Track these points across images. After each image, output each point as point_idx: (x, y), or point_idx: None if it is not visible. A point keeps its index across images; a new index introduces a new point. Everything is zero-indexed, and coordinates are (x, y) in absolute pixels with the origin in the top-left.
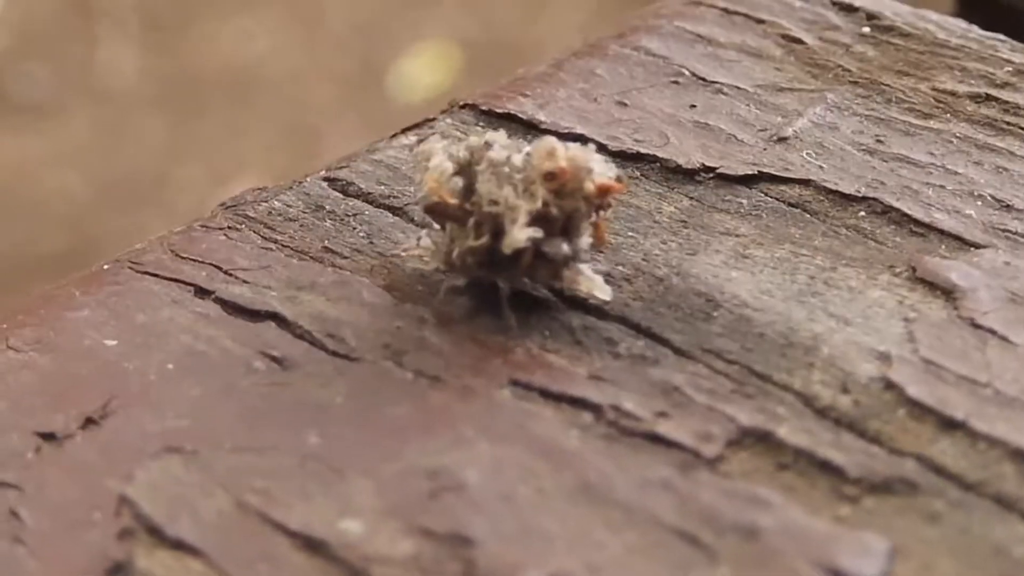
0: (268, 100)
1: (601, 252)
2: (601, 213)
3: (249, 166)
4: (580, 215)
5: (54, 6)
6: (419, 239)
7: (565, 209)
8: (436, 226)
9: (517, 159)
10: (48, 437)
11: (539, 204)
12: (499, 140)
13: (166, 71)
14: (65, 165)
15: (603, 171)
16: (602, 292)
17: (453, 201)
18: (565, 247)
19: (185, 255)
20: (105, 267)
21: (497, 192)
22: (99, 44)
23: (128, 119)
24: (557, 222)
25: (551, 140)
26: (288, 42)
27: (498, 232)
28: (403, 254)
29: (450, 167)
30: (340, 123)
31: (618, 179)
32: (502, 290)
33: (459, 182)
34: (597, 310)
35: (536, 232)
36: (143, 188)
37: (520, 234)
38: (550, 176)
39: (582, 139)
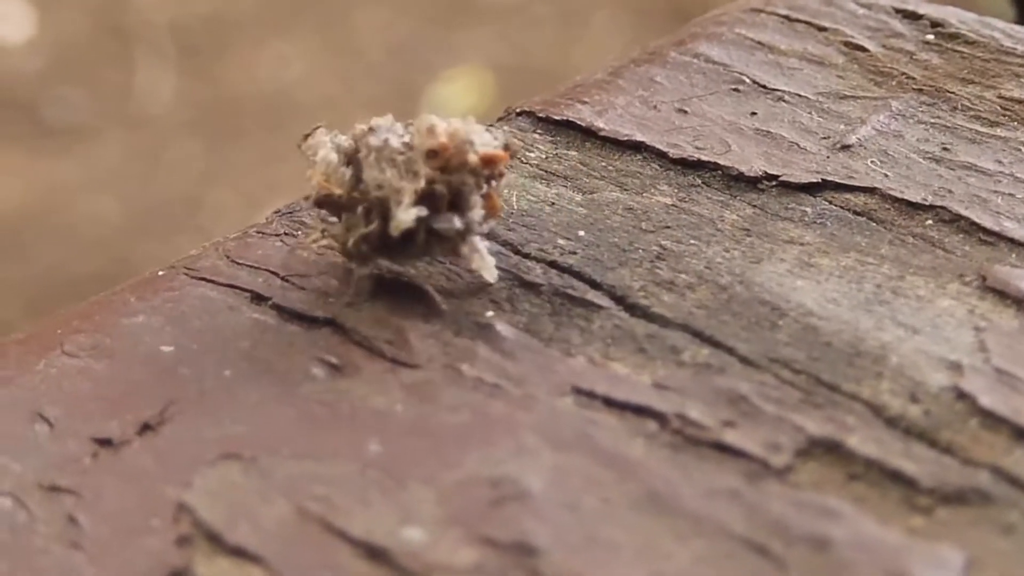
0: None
1: (494, 221)
2: (493, 184)
3: (283, 191)
4: (468, 188)
5: (90, 30)
6: (323, 231)
7: (453, 184)
8: (332, 218)
9: (397, 142)
10: (105, 443)
11: (423, 183)
12: (383, 124)
13: (201, 96)
14: (99, 189)
15: (486, 142)
16: (489, 274)
17: (339, 191)
18: (456, 222)
19: (241, 261)
20: (160, 273)
21: (381, 176)
22: (135, 68)
23: (163, 144)
24: (444, 198)
25: (430, 117)
26: (323, 68)
27: (387, 216)
28: (312, 245)
29: (336, 158)
30: None
31: (506, 147)
32: (419, 277)
33: (347, 172)
34: (661, 317)
35: (421, 211)
36: (177, 213)
37: (405, 215)
38: (432, 153)
39: (642, 146)
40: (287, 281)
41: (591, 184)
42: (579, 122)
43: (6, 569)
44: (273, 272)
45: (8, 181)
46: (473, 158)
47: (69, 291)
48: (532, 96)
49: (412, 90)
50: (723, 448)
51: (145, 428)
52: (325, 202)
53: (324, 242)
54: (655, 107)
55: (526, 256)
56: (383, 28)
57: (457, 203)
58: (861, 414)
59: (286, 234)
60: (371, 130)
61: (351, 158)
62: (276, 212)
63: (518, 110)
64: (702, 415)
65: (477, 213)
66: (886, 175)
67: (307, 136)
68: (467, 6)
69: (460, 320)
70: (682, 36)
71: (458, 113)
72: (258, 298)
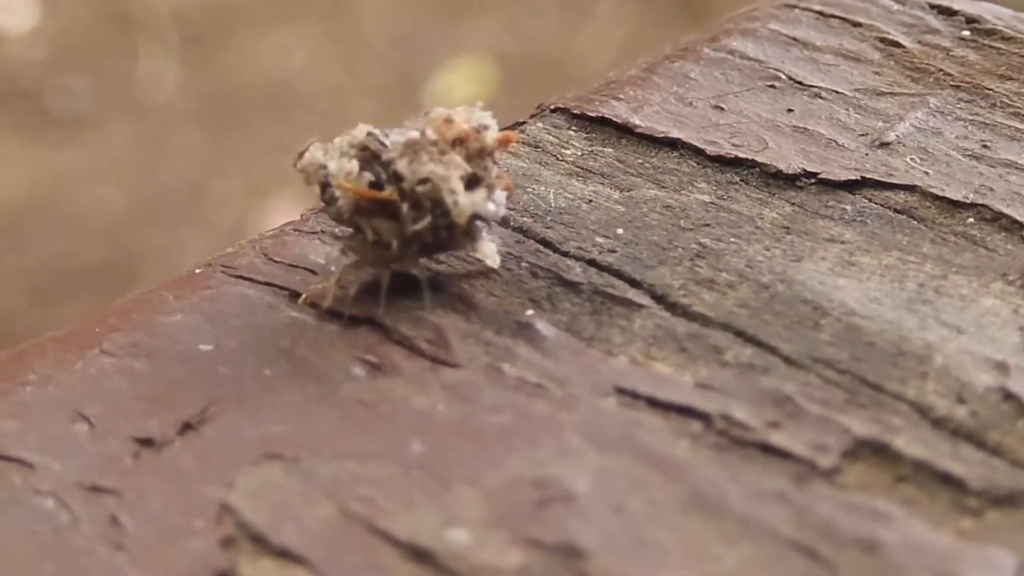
0: (306, 114)
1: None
2: (497, 168)
3: (287, 181)
4: (489, 173)
5: (93, 19)
6: (343, 249)
7: (479, 170)
8: (346, 231)
9: (429, 134)
10: (146, 443)
11: (465, 169)
12: (370, 128)
13: (205, 85)
14: (104, 179)
15: (493, 125)
16: (492, 260)
17: (382, 194)
18: (492, 206)
19: (278, 259)
20: (197, 271)
21: (423, 169)
22: (139, 58)
23: (167, 133)
24: (483, 183)
25: (441, 109)
26: (326, 57)
27: (435, 209)
28: (339, 276)
29: (355, 164)
30: None
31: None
32: (419, 275)
33: (368, 176)
34: (702, 316)
35: (481, 194)
36: (181, 202)
37: (467, 199)
38: (457, 142)
39: (678, 144)
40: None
41: (628, 181)
42: (614, 119)
43: (50, 570)
44: (311, 270)
45: (12, 170)
46: (490, 141)
47: (73, 280)
48: (535, 85)
49: (415, 79)
50: (769, 449)
51: (186, 427)
52: (364, 210)
53: (350, 267)
54: (691, 104)
55: (565, 254)
56: (386, 17)
57: (486, 188)
58: (907, 415)
59: (323, 232)
60: (371, 135)
61: (364, 164)
62: (311, 210)
63: (552, 107)
64: (747, 416)
65: (502, 195)
66: (926, 172)
67: (301, 154)
68: None
69: (500, 319)
70: (715, 32)
71: (462, 102)
72: (296, 296)
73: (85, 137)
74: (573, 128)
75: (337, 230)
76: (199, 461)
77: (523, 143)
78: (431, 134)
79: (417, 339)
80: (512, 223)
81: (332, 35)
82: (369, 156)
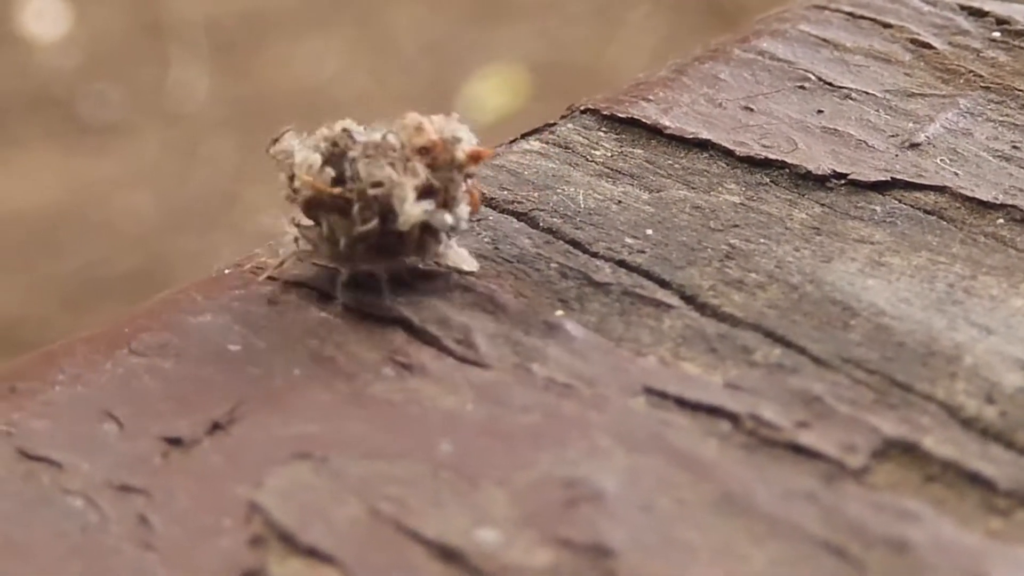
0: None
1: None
2: (470, 181)
3: None
4: (455, 185)
5: (126, 26)
6: (296, 238)
7: (442, 181)
8: (306, 222)
9: (391, 139)
10: (175, 442)
11: (422, 179)
12: (353, 126)
13: (237, 93)
14: (136, 186)
15: (469, 139)
16: (468, 264)
17: (335, 190)
18: (448, 218)
19: (307, 259)
20: (226, 271)
21: (379, 173)
22: (171, 65)
23: (198, 141)
24: (440, 194)
25: (415, 116)
26: (358, 64)
27: (385, 213)
28: (282, 260)
29: (318, 158)
30: None
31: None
32: (379, 275)
33: (331, 172)
34: (731, 317)
35: (429, 205)
36: (213, 209)
37: (414, 208)
38: (423, 151)
39: (708, 145)
40: (354, 280)
41: (658, 182)
42: (644, 120)
43: (79, 569)
44: (340, 271)
45: (44, 178)
46: (460, 155)
47: (105, 287)
48: (567, 93)
49: (447, 87)
50: (798, 449)
51: (215, 427)
52: (314, 203)
53: (298, 254)
54: (720, 105)
55: (594, 255)
56: (418, 25)
57: (446, 200)
58: (936, 415)
59: None
60: (346, 131)
61: (329, 159)
62: None
63: (582, 108)
64: (776, 416)
65: (464, 209)
66: (956, 174)
67: (275, 140)
68: (502, 3)
69: (529, 319)
70: (745, 33)
71: (493, 110)
72: (325, 297)
73: (117, 145)
74: (603, 129)
75: (300, 219)
76: (228, 461)
77: (553, 144)
78: (400, 139)
79: (446, 339)
80: (542, 223)
81: (364, 43)
82: (338, 152)
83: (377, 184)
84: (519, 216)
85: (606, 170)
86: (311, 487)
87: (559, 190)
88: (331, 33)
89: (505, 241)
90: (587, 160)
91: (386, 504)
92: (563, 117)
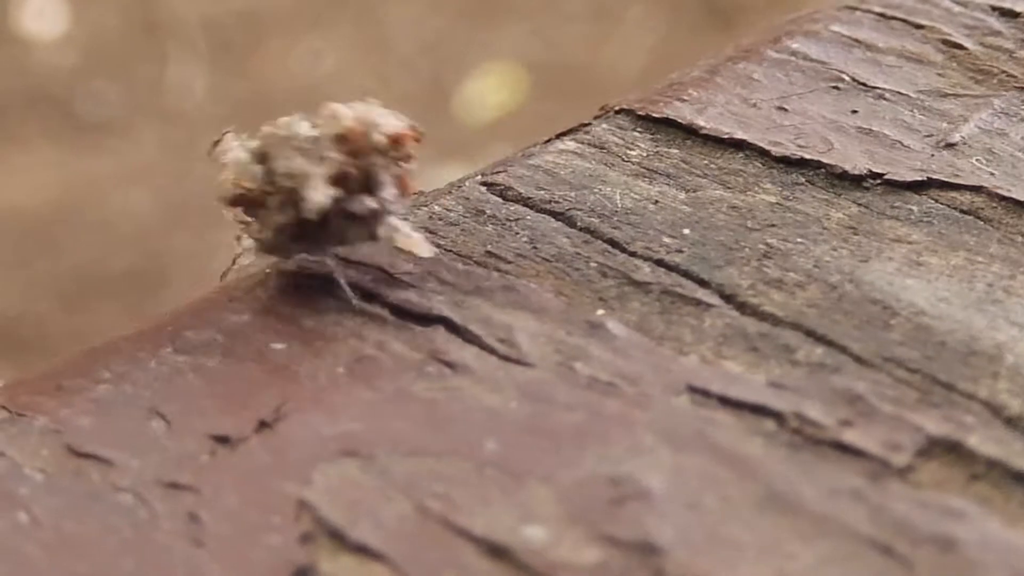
0: None
1: (411, 203)
2: (403, 165)
3: None
4: (378, 169)
5: (123, 25)
6: (238, 236)
7: (362, 167)
8: (246, 219)
9: (304, 132)
10: (222, 440)
11: (333, 167)
12: (296, 123)
13: (234, 91)
14: (133, 184)
15: (392, 123)
16: (421, 249)
17: (250, 186)
18: (369, 202)
19: (348, 258)
20: (267, 270)
21: (290, 164)
22: (168, 63)
23: (196, 139)
24: (356, 180)
25: (333, 105)
26: (356, 63)
27: (298, 203)
28: (234, 259)
29: (246, 156)
30: None
31: (412, 128)
32: (334, 268)
33: (258, 169)
34: (772, 316)
35: (329, 191)
36: (211, 208)
37: (316, 195)
38: (340, 139)
39: (743, 144)
40: (396, 279)
41: (694, 182)
42: (679, 120)
43: (132, 566)
44: (381, 269)
45: (42, 176)
46: (380, 138)
47: (103, 285)
48: (564, 91)
49: (445, 85)
50: (842, 448)
51: (262, 425)
52: (239, 200)
53: (247, 243)
54: (754, 105)
55: (632, 254)
56: (416, 23)
57: (368, 185)
58: (979, 414)
59: None
60: (278, 127)
61: (261, 156)
62: None
63: (616, 108)
64: (820, 414)
65: (389, 192)
66: (992, 173)
67: (216, 143)
68: (500, 2)
69: (570, 318)
70: (777, 33)
71: (492, 108)
72: (367, 295)
73: (115, 143)
74: (638, 129)
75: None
76: (275, 458)
77: (588, 144)
78: (314, 129)
79: (487, 338)
80: (579, 223)
81: (362, 41)
82: (270, 149)
83: (290, 175)
84: (556, 215)
85: (642, 170)
86: (358, 485)
87: (596, 190)
88: (329, 31)
89: (543, 240)
90: (623, 160)
91: (433, 501)
92: (597, 117)
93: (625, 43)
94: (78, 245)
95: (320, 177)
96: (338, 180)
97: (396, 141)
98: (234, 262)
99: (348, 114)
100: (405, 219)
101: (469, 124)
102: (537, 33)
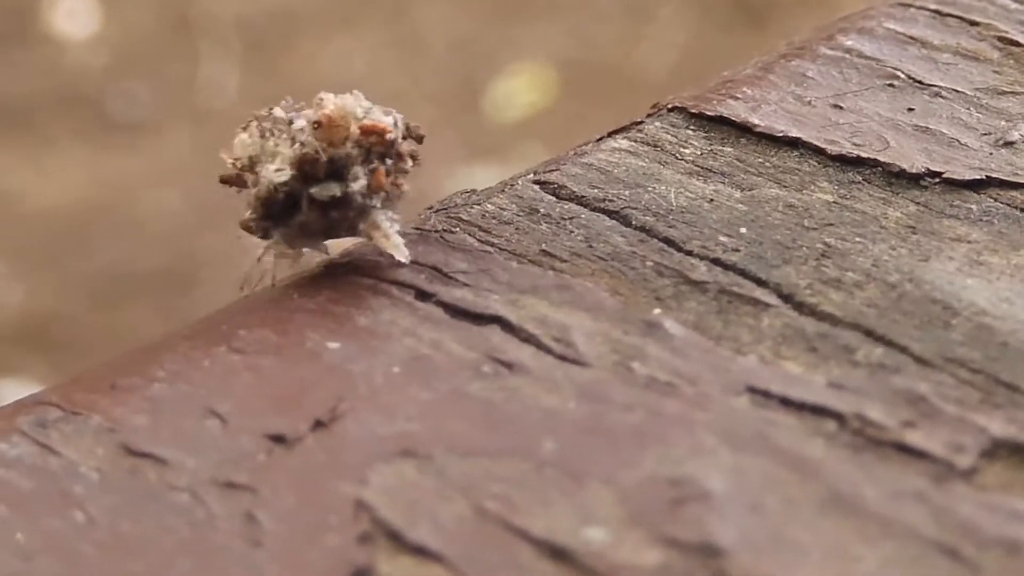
0: None
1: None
2: (388, 161)
3: None
4: (351, 159)
5: (155, 24)
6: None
7: (336, 156)
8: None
9: (284, 114)
10: (278, 440)
11: (301, 150)
12: (282, 106)
13: (266, 91)
14: (165, 183)
15: (377, 117)
16: (398, 252)
17: (229, 164)
18: (334, 188)
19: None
20: (320, 269)
21: (264, 145)
22: (200, 63)
23: (228, 138)
24: (321, 166)
25: (324, 93)
26: (387, 62)
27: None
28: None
29: (247, 139)
30: (437, 142)
31: (407, 128)
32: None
33: (249, 151)
34: (830, 316)
35: (283, 173)
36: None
37: (268, 173)
38: (317, 125)
39: (798, 143)
40: (450, 278)
41: (749, 181)
42: (733, 118)
43: (189, 565)
44: (435, 268)
45: (74, 175)
46: (354, 129)
47: (135, 285)
48: (595, 90)
49: (475, 85)
50: (905, 449)
51: (318, 425)
52: (225, 180)
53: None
54: (809, 103)
55: (688, 253)
56: (447, 22)
57: (340, 174)
58: None
59: (445, 231)
60: (270, 112)
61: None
62: (429, 208)
63: (669, 106)
64: (881, 415)
65: (360, 184)
66: None
67: (244, 128)
68: (530, 1)
69: (627, 318)
70: (831, 31)
71: (522, 107)
72: (422, 295)
73: (146, 142)
74: (691, 127)
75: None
76: (332, 458)
77: (641, 142)
78: (298, 114)
79: (544, 337)
80: (634, 222)
81: (393, 41)
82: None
83: (261, 155)
84: (611, 214)
85: (696, 168)
86: (416, 485)
87: (650, 188)
88: (360, 31)
89: (598, 239)
90: (676, 158)
91: (492, 502)
92: (650, 115)
93: (656, 42)
94: (110, 245)
95: (281, 157)
96: (303, 163)
97: (367, 132)
98: (259, 260)
99: (331, 101)
100: (394, 220)
101: (499, 123)
102: (567, 32)
